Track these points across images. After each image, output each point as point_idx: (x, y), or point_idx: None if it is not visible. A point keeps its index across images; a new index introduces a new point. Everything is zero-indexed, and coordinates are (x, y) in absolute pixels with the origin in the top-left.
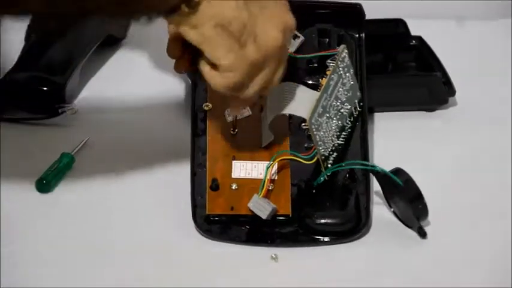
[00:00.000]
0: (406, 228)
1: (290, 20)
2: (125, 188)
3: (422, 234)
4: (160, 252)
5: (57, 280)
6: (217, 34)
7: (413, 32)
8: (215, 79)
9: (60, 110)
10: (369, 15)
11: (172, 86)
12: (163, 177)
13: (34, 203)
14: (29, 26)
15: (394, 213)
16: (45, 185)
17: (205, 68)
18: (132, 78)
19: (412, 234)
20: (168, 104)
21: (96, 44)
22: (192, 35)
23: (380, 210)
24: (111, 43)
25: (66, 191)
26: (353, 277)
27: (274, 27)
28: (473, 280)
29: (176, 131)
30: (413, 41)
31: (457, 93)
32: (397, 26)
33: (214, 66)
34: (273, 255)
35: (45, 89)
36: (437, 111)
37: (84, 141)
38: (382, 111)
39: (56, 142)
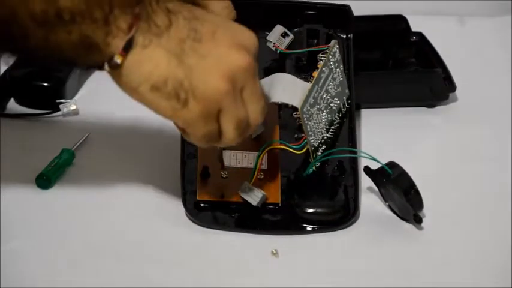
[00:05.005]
0: (398, 220)
1: (242, 60)
2: (124, 183)
3: (418, 220)
4: (156, 245)
5: (57, 277)
6: (155, 97)
7: (414, 28)
8: (188, 137)
9: (60, 106)
10: (370, 11)
11: None
12: (160, 169)
13: (34, 199)
14: None
15: (391, 208)
16: (45, 181)
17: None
18: None
19: (403, 226)
20: None
21: None
22: (136, 97)
23: (371, 203)
24: None
25: (66, 187)
26: (340, 266)
27: (214, 75)
28: (468, 277)
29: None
30: (414, 37)
31: (457, 89)
32: (398, 22)
33: None
34: (273, 250)
35: (45, 84)
36: (438, 107)
37: (84, 137)
38: (383, 107)
39: (56, 138)
